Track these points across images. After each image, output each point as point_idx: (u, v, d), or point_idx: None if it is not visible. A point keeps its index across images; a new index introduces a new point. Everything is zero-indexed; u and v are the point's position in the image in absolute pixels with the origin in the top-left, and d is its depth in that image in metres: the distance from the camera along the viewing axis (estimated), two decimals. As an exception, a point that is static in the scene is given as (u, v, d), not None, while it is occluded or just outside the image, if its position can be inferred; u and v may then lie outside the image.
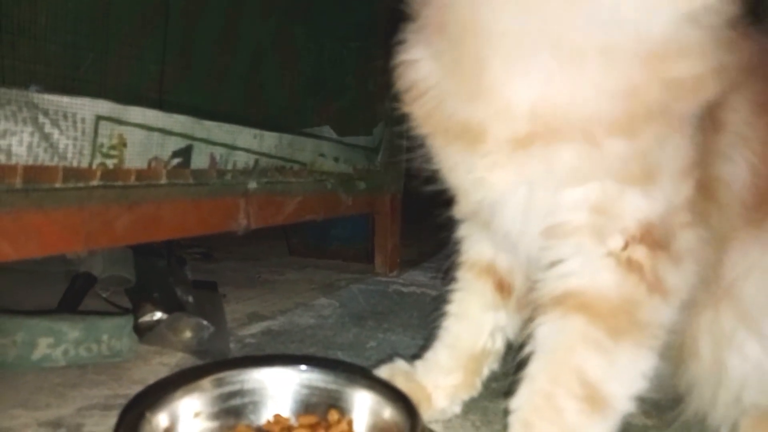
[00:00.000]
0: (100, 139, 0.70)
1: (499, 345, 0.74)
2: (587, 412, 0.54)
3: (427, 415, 0.68)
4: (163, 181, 0.80)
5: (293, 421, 0.63)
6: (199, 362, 0.84)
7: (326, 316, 1.13)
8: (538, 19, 0.51)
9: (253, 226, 0.97)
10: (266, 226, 1.04)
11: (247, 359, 0.88)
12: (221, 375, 0.62)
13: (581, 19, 0.50)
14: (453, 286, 0.77)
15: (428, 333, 0.82)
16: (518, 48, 0.53)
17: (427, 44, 0.59)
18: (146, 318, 0.92)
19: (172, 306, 0.94)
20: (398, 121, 0.64)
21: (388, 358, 0.78)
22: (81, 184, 0.69)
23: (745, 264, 0.62)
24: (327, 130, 1.41)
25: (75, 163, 0.68)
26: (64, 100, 0.65)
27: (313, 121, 1.51)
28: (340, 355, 0.92)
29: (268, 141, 1.00)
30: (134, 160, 0.75)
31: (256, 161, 0.98)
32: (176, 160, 0.82)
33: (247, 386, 0.63)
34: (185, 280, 1.11)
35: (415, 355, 0.77)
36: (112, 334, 0.82)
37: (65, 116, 0.66)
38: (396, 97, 0.62)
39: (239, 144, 0.93)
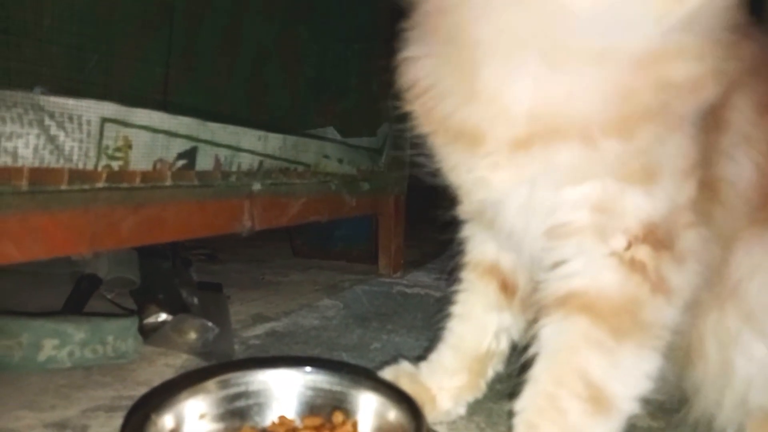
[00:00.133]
0: (105, 141, 0.70)
1: (504, 346, 0.74)
2: (591, 413, 0.54)
3: (431, 416, 0.68)
4: (168, 182, 0.80)
5: (298, 423, 0.63)
6: (203, 364, 0.85)
7: (330, 318, 1.13)
8: (530, 24, 0.51)
9: (257, 227, 0.97)
10: (270, 228, 1.04)
11: (252, 361, 0.88)
12: (226, 376, 0.63)
13: (573, 24, 0.50)
14: (457, 286, 0.77)
15: (432, 334, 0.82)
16: (511, 52, 0.53)
17: (426, 43, 0.59)
18: (151, 319, 0.92)
19: (176, 307, 0.94)
20: (401, 120, 0.64)
21: (392, 360, 0.78)
22: (86, 186, 0.69)
23: (751, 263, 0.61)
24: (331, 132, 1.41)
25: (80, 165, 0.68)
26: (70, 103, 0.66)
27: (316, 123, 1.51)
28: (345, 357, 0.92)
29: (273, 142, 1.00)
30: (139, 161, 0.75)
31: (261, 163, 0.98)
32: (181, 162, 0.82)
33: (251, 388, 0.63)
34: (190, 282, 1.11)
35: (419, 357, 0.77)
36: (117, 336, 0.83)
37: (71, 118, 0.66)
38: (397, 96, 0.62)
39: (244, 145, 0.94)
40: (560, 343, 0.57)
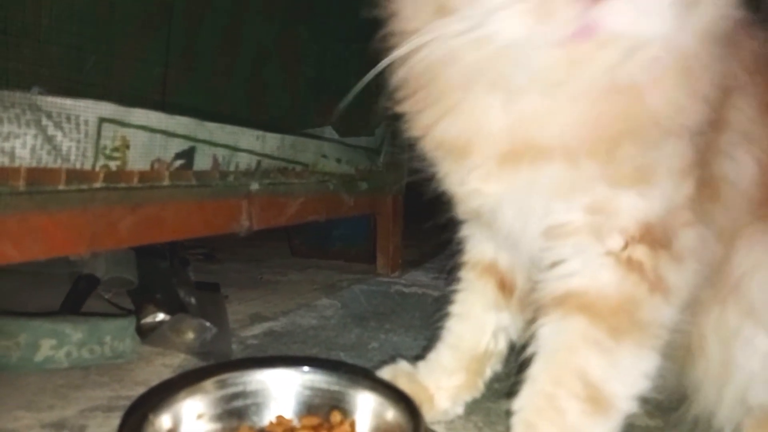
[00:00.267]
0: (103, 141, 0.70)
1: (502, 345, 0.74)
2: (589, 413, 0.54)
3: (429, 416, 0.68)
4: (166, 182, 0.80)
5: (296, 423, 0.63)
6: (201, 363, 0.85)
7: (328, 317, 1.13)
8: (487, 62, 0.50)
9: (255, 227, 0.97)
10: (269, 227, 1.04)
11: (250, 360, 0.88)
12: (224, 376, 0.63)
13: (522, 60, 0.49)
14: (456, 286, 0.77)
15: (430, 334, 0.82)
16: (478, 86, 0.54)
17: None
18: (149, 319, 0.92)
19: (174, 307, 0.94)
20: (396, 120, 0.63)
21: (390, 359, 0.78)
22: (84, 186, 0.69)
23: (753, 260, 0.61)
24: (329, 131, 1.41)
25: (78, 165, 0.68)
26: (67, 103, 0.66)
27: (316, 123, 1.51)
28: (343, 356, 0.92)
29: (271, 142, 1.00)
30: (137, 161, 0.75)
31: (259, 162, 0.98)
32: (179, 162, 0.82)
33: (249, 388, 0.63)
34: (188, 282, 1.11)
35: (417, 356, 0.77)
36: (114, 336, 0.83)
37: (68, 118, 0.66)
38: (389, 96, 0.62)
39: (242, 145, 0.94)
40: (558, 343, 0.57)
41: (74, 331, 0.80)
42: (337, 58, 1.72)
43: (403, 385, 0.67)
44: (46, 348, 0.78)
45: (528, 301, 0.69)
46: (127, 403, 0.71)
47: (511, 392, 0.61)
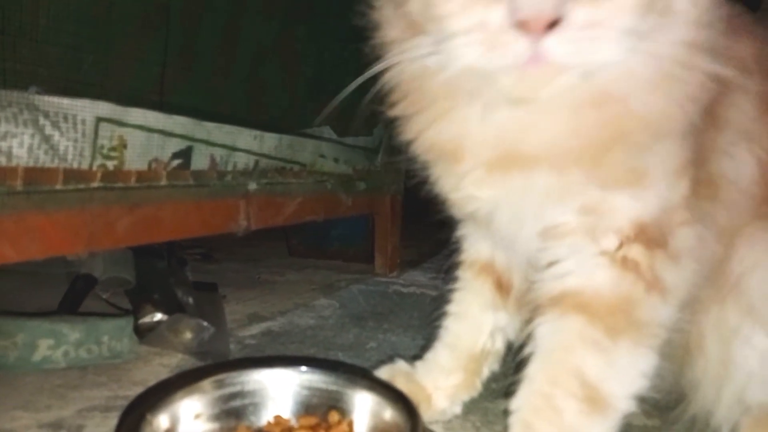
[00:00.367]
0: (100, 141, 0.70)
1: (499, 345, 0.74)
2: (586, 412, 0.54)
3: (427, 415, 0.68)
4: (164, 182, 0.80)
5: (294, 423, 0.63)
6: (199, 363, 0.85)
7: (326, 317, 1.13)
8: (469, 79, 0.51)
9: (253, 227, 0.97)
10: (266, 227, 1.04)
11: (248, 360, 0.88)
12: (222, 376, 0.62)
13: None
14: (453, 285, 0.77)
15: (429, 333, 0.82)
16: (468, 96, 0.54)
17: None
18: (146, 319, 0.92)
19: (172, 307, 0.94)
20: (391, 122, 0.64)
21: (388, 359, 0.78)
22: (82, 186, 0.69)
23: (753, 257, 0.61)
24: (327, 131, 1.41)
25: (75, 165, 0.68)
26: (65, 102, 0.66)
27: (313, 122, 1.51)
28: (341, 356, 0.92)
29: (268, 142, 1.00)
30: (134, 161, 0.75)
31: (257, 162, 0.98)
32: (176, 162, 0.82)
33: (247, 387, 0.63)
34: (185, 281, 1.11)
35: (415, 356, 0.77)
36: (112, 336, 0.83)
37: (65, 118, 0.66)
38: (381, 100, 0.61)
39: (239, 145, 0.93)
40: (555, 343, 0.57)
41: (72, 331, 0.80)
42: (336, 58, 1.71)
43: (401, 384, 0.67)
44: (43, 348, 0.78)
45: (525, 300, 0.69)
46: (125, 403, 0.71)
47: (508, 392, 0.61)
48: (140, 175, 0.76)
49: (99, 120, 0.69)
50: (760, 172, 0.60)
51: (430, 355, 0.75)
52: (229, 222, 0.94)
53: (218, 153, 0.89)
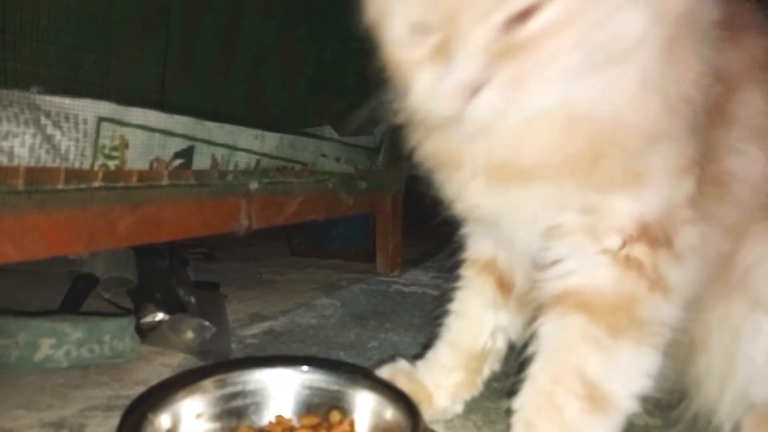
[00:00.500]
0: (101, 141, 0.70)
1: (500, 345, 0.74)
2: (588, 411, 0.54)
3: (428, 414, 0.68)
4: (165, 182, 0.80)
5: (295, 422, 0.63)
6: (201, 363, 0.85)
7: (328, 316, 1.13)
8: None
9: (254, 226, 0.97)
10: (268, 227, 1.04)
11: (249, 360, 0.88)
12: (223, 376, 0.63)
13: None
14: (456, 283, 0.77)
15: (430, 333, 0.82)
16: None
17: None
18: (148, 319, 0.92)
19: (174, 307, 0.94)
20: (396, 128, 0.64)
21: (389, 358, 0.78)
22: (83, 186, 0.69)
23: (761, 250, 0.61)
24: (328, 130, 1.41)
25: (77, 165, 0.68)
26: (66, 102, 0.66)
27: (314, 122, 1.51)
28: (342, 356, 0.92)
29: (270, 141, 1.00)
30: (136, 161, 0.75)
31: (258, 162, 0.98)
32: (178, 161, 0.82)
33: (248, 387, 0.63)
34: (187, 281, 1.11)
35: (417, 355, 0.77)
36: (114, 335, 0.83)
37: (67, 118, 0.66)
38: (386, 107, 0.63)
39: (240, 144, 0.94)
40: (557, 341, 0.57)
41: (73, 331, 0.80)
42: (335, 57, 1.72)
43: (402, 384, 0.67)
44: (45, 347, 0.78)
45: (526, 299, 0.69)
46: (127, 402, 0.71)
47: (511, 391, 0.61)
48: (142, 175, 0.76)
49: (100, 120, 0.69)
50: None
51: (431, 354, 0.75)
52: (231, 221, 0.94)
53: (220, 152, 0.89)
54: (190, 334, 0.89)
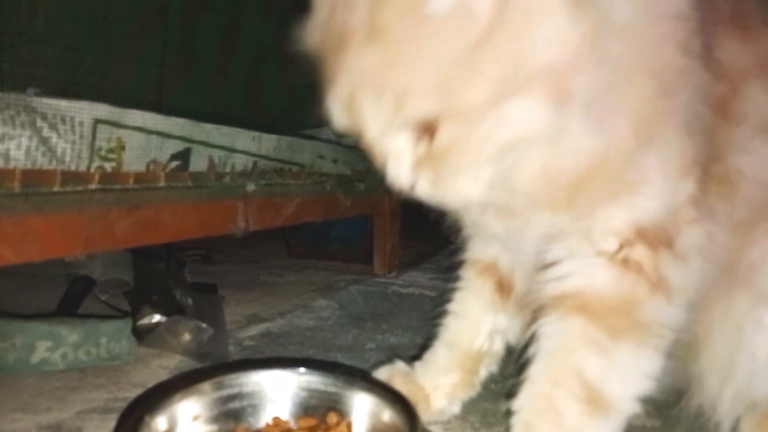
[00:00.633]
0: (98, 143, 0.70)
1: (498, 347, 0.74)
2: (588, 414, 0.54)
3: (425, 415, 0.68)
4: (162, 184, 0.80)
5: (292, 424, 0.63)
6: (198, 365, 0.84)
7: (325, 318, 1.13)
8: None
9: (252, 228, 0.97)
10: (265, 228, 1.04)
11: (246, 362, 0.88)
12: (220, 378, 0.62)
13: None
14: (455, 284, 0.77)
15: (428, 334, 0.82)
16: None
17: None
18: (145, 321, 0.92)
19: (171, 309, 0.94)
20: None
21: (387, 360, 0.78)
22: (80, 188, 0.68)
23: (765, 247, 0.60)
24: (326, 132, 1.40)
25: (73, 167, 0.67)
26: (62, 104, 0.65)
27: (314, 122, 1.51)
28: (340, 357, 0.92)
29: (267, 143, 1.00)
30: (133, 163, 0.75)
31: (255, 163, 0.98)
32: (175, 163, 0.82)
33: (246, 389, 0.63)
34: (184, 283, 1.11)
35: (414, 357, 0.77)
36: (111, 338, 0.82)
37: (63, 120, 0.66)
38: None
39: (238, 146, 0.93)
40: (557, 343, 0.57)
41: (70, 333, 0.80)
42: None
43: (400, 385, 0.67)
44: (42, 350, 0.78)
45: (526, 302, 0.69)
46: (124, 404, 0.71)
47: (509, 393, 0.61)
48: (138, 177, 0.76)
49: (97, 122, 0.69)
50: None
51: (428, 355, 0.75)
52: (228, 223, 0.94)
53: (217, 154, 0.89)
54: (187, 336, 0.89)
